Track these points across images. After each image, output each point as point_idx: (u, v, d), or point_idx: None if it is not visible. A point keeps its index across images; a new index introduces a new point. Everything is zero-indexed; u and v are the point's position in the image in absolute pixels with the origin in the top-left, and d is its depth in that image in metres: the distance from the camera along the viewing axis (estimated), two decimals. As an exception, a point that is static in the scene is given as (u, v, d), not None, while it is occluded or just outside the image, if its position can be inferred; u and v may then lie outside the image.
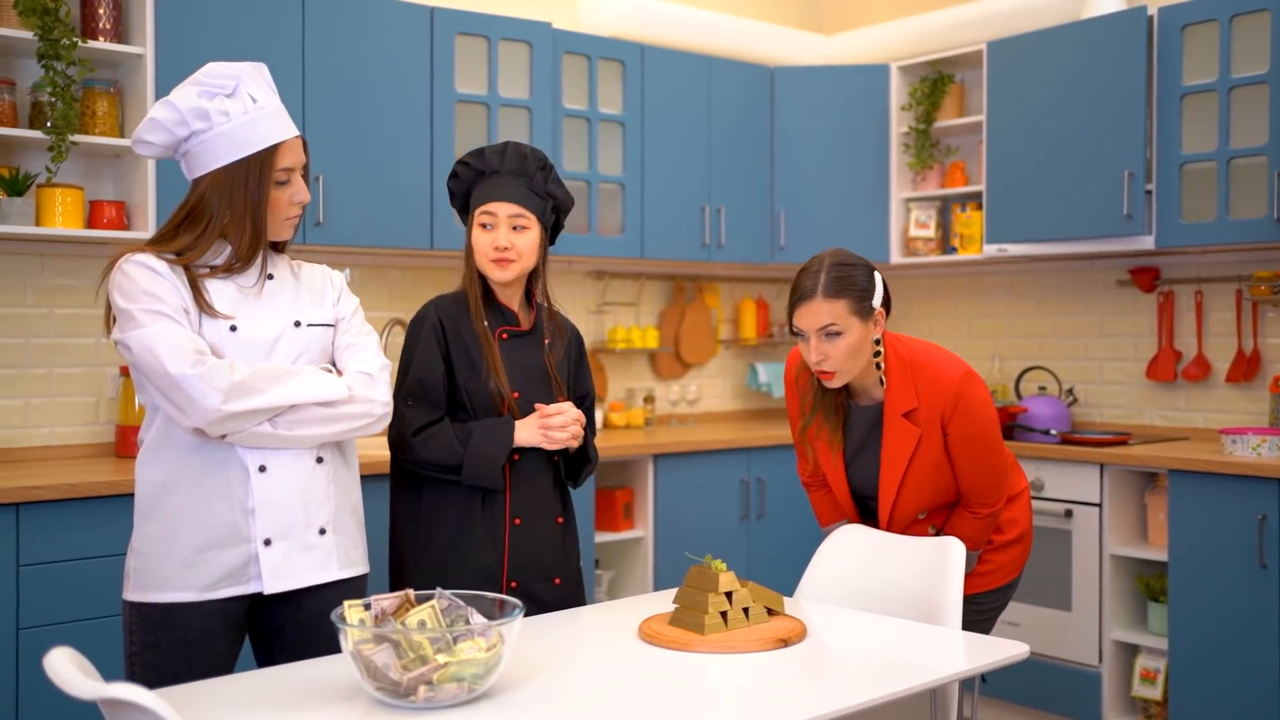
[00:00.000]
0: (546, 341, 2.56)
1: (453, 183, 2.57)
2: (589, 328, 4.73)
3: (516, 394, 2.48)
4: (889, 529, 2.62)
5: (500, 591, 2.43)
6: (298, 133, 2.15)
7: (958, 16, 4.68)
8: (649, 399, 4.77)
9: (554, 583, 2.52)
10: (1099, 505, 3.88)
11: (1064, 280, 4.67)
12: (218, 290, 2.09)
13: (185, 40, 3.40)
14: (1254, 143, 3.77)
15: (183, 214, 2.10)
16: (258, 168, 2.08)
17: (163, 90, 3.14)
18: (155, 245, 2.08)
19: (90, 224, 3.39)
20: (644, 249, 4.48)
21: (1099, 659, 3.87)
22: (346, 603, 1.71)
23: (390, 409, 2.21)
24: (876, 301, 2.46)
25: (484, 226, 2.47)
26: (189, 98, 2.06)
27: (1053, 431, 4.18)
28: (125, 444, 3.50)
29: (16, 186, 3.25)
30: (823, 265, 2.44)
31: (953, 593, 2.30)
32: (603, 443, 3.99)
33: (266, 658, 2.20)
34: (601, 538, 4.11)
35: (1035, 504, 3.97)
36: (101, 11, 3.35)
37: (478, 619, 1.75)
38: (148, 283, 2.01)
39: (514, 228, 2.47)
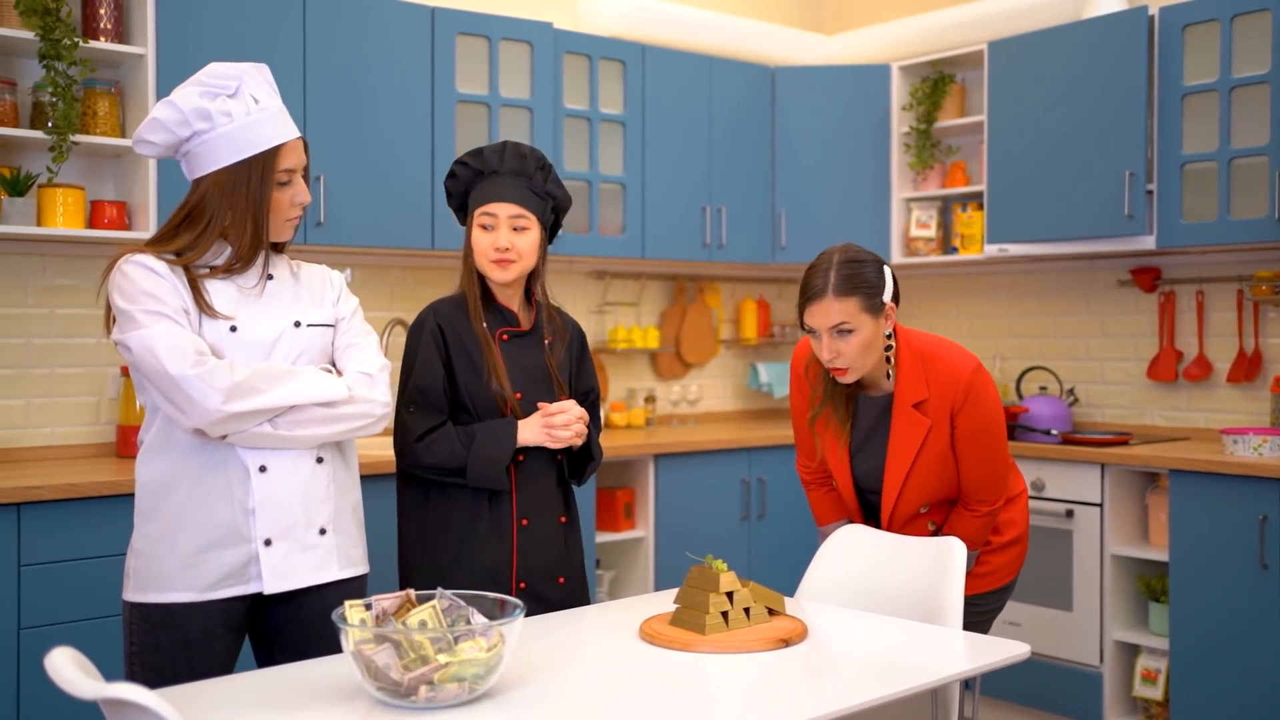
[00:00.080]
0: (547, 341, 2.56)
1: (450, 183, 2.55)
2: (590, 328, 4.73)
3: (519, 395, 2.48)
4: (890, 523, 2.62)
5: (509, 593, 2.43)
6: (299, 134, 2.16)
7: (958, 16, 4.68)
8: (650, 399, 4.77)
9: (558, 582, 2.52)
10: (1100, 505, 3.88)
11: (1065, 280, 4.67)
12: (218, 291, 2.09)
13: (186, 40, 3.40)
14: (1255, 143, 3.76)
15: (183, 214, 2.10)
16: (259, 169, 2.08)
17: (164, 90, 3.14)
18: (155, 245, 2.08)
19: (91, 224, 3.39)
20: (645, 249, 4.48)
21: (1100, 659, 3.87)
22: (347, 603, 1.71)
23: (390, 409, 2.21)
24: (887, 296, 2.46)
25: (484, 227, 2.47)
26: (191, 98, 2.06)
27: (1054, 431, 4.18)
28: (126, 444, 3.50)
29: (18, 186, 3.25)
30: (832, 263, 2.43)
31: (953, 593, 2.30)
32: (604, 442, 3.99)
33: (267, 658, 2.20)
34: (602, 538, 4.11)
35: (1036, 504, 3.97)
36: (102, 11, 3.35)
37: (478, 619, 1.75)
38: (147, 283, 2.01)
39: (515, 228, 2.46)
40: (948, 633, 2.18)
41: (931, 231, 4.79)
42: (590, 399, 2.65)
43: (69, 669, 1.44)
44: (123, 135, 3.43)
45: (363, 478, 2.98)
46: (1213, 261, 4.21)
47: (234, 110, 2.06)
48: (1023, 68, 4.30)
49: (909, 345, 2.55)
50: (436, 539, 2.45)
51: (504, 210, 2.45)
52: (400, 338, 3.99)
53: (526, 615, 2.16)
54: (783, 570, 4.23)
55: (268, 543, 2.08)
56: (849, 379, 2.51)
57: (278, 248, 2.21)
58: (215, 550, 2.06)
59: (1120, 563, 3.89)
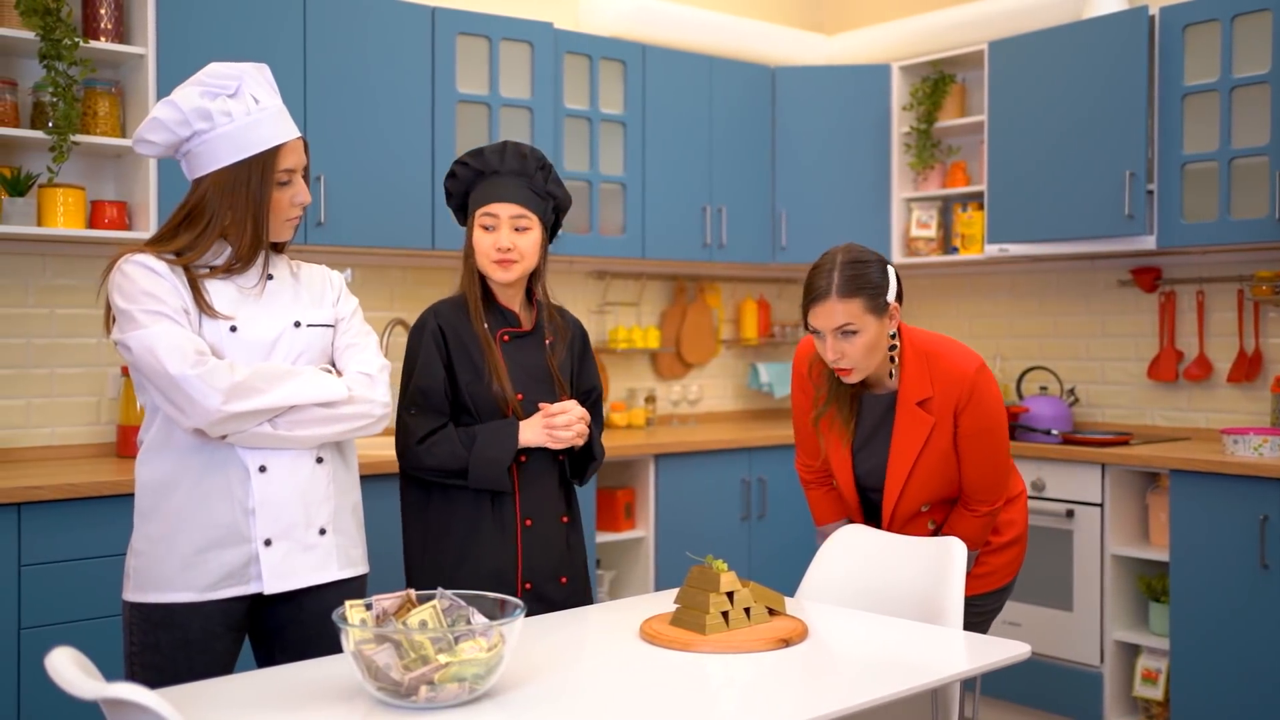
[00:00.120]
0: (548, 341, 2.56)
1: (450, 183, 2.55)
2: (590, 328, 4.72)
3: (520, 395, 2.47)
4: (891, 521, 2.62)
5: (515, 594, 2.43)
6: (299, 134, 2.16)
7: (959, 16, 4.68)
8: (650, 399, 4.77)
9: (561, 582, 2.52)
10: (1100, 505, 3.88)
11: (1065, 280, 4.67)
12: (218, 291, 2.09)
13: (186, 40, 3.40)
14: (1255, 143, 3.76)
15: (183, 214, 2.10)
16: (259, 169, 2.08)
17: (164, 90, 3.14)
18: (154, 245, 2.08)
19: (92, 224, 3.39)
20: (645, 249, 4.48)
21: (1100, 659, 3.87)
22: (348, 603, 1.71)
23: (389, 409, 2.21)
24: (891, 296, 2.46)
25: (486, 228, 2.46)
26: (191, 97, 2.06)
27: (1054, 431, 4.18)
28: (126, 444, 3.50)
29: (18, 186, 3.25)
30: (835, 264, 2.43)
31: (954, 593, 2.30)
32: (604, 442, 3.98)
33: (267, 658, 2.20)
34: (603, 538, 4.11)
35: (1037, 504, 3.97)
36: (103, 12, 3.35)
37: (479, 619, 1.75)
38: (147, 283, 2.01)
39: (516, 229, 2.46)
40: (948, 633, 2.18)
41: (932, 231, 4.79)
42: (592, 398, 2.64)
43: (69, 669, 1.44)
44: (123, 135, 3.43)
45: (363, 478, 2.98)
46: (1213, 261, 4.21)
47: (234, 110, 2.07)
48: (1023, 68, 4.30)
49: (913, 343, 2.55)
50: (439, 541, 2.45)
51: (505, 210, 2.45)
52: (400, 338, 3.99)
53: (531, 616, 2.17)
54: (783, 570, 4.23)
55: (268, 543, 2.08)
56: (853, 379, 2.51)
57: (278, 248, 2.21)
58: (215, 550, 2.06)
59: (1121, 563, 3.89)
